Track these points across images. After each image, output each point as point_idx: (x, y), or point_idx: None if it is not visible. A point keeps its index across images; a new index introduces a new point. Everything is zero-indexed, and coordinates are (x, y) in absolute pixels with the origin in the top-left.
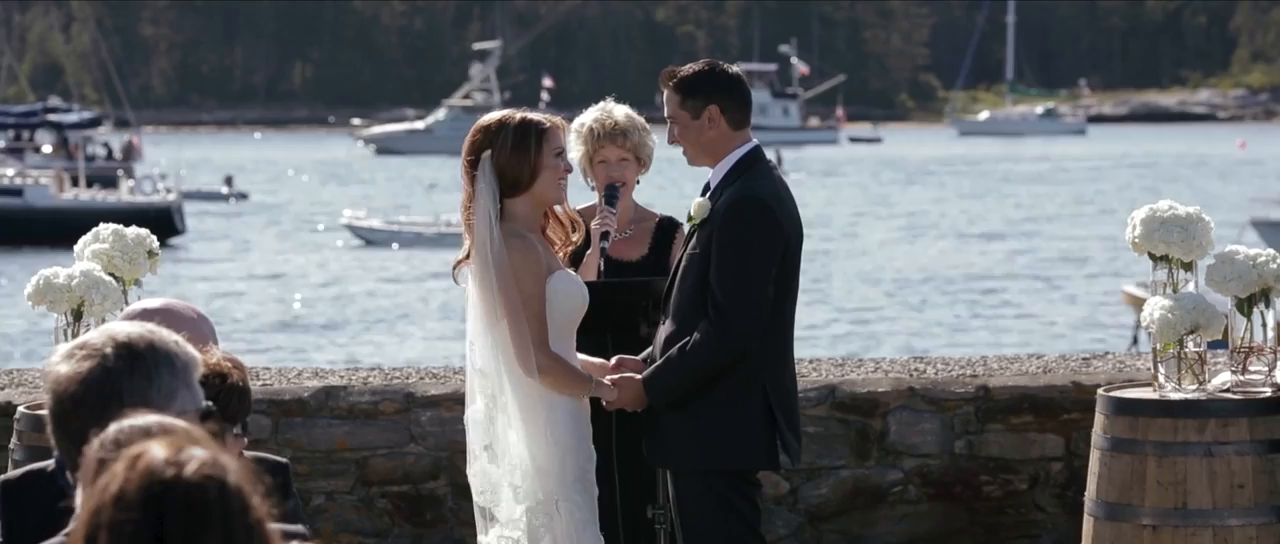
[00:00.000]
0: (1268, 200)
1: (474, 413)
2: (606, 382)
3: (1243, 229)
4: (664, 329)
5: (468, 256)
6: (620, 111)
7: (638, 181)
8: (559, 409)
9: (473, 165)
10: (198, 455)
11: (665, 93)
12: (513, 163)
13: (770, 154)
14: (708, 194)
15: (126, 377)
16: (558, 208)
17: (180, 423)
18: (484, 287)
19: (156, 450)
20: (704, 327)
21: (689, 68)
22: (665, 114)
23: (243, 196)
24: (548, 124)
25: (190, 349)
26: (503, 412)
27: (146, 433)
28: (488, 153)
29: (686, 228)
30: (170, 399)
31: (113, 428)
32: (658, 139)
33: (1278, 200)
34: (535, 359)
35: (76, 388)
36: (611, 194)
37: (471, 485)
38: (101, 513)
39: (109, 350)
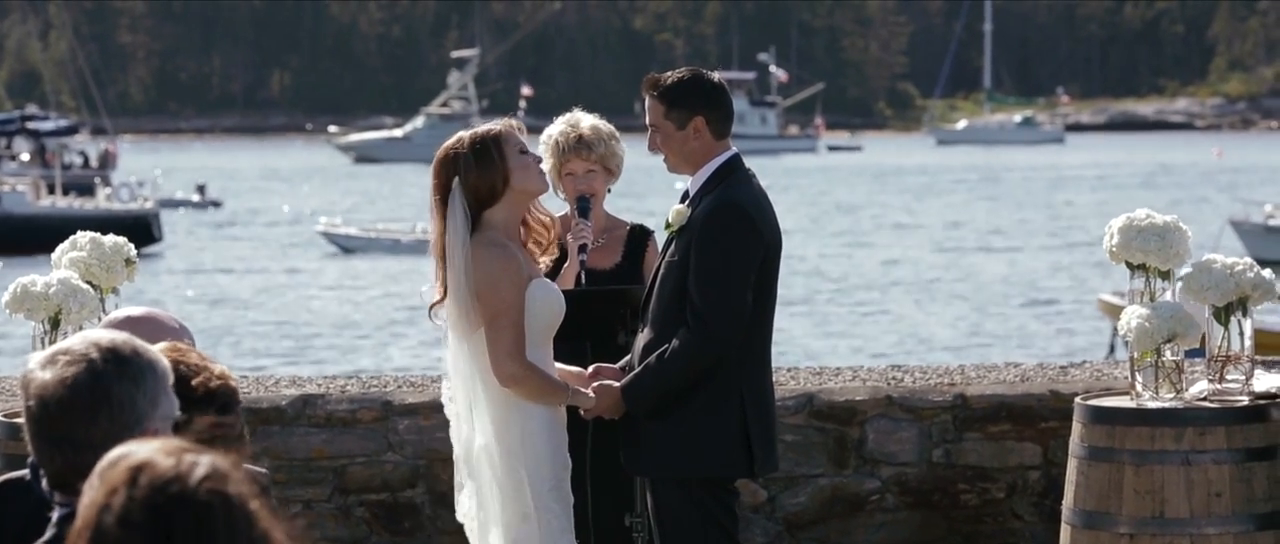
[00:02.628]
0: (1247, 202)
1: (458, 454)
2: (584, 390)
3: (1221, 228)
4: (642, 337)
5: (443, 299)
6: (586, 123)
7: (608, 189)
8: (534, 418)
9: (443, 200)
10: (201, 465)
11: (648, 100)
12: (484, 177)
13: None
14: (686, 201)
15: (115, 381)
16: (537, 210)
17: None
18: (461, 302)
19: (160, 462)
20: (683, 334)
21: (673, 76)
22: (647, 121)
23: (216, 204)
24: (499, 128)
25: (164, 357)
26: (480, 422)
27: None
28: (456, 181)
29: (664, 235)
30: (154, 404)
31: (113, 455)
32: (630, 145)
33: (1257, 202)
34: (512, 368)
35: (65, 392)
36: (583, 206)
37: (465, 527)
38: (106, 534)
39: (95, 355)
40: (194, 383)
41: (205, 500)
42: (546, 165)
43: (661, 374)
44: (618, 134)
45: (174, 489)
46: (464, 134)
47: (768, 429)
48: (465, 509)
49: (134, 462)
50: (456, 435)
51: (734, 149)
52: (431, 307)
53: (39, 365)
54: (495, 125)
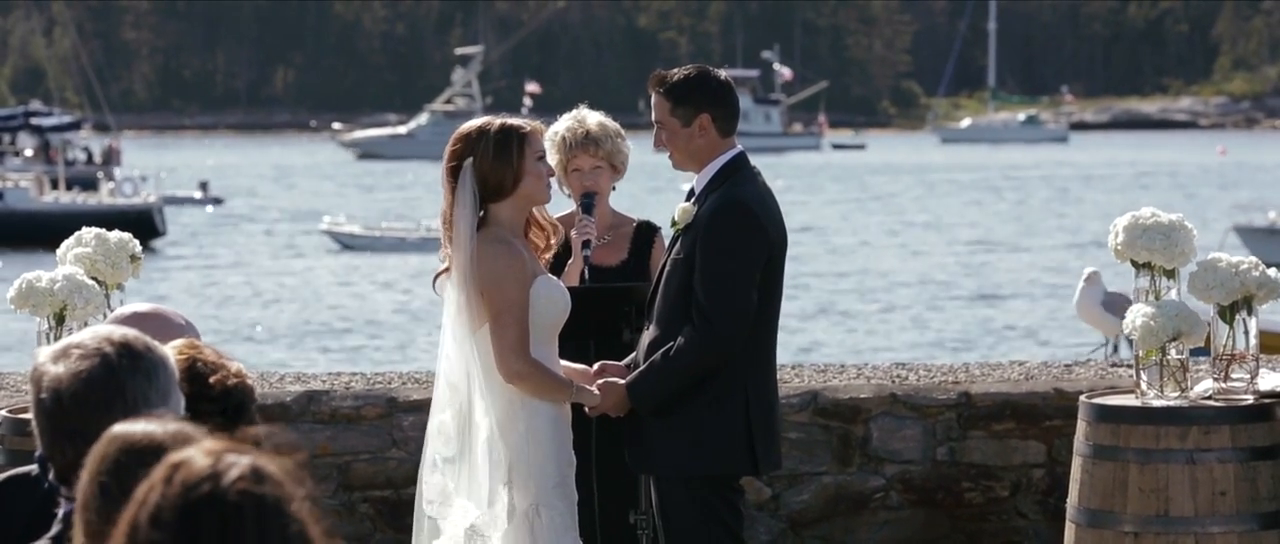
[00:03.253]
0: (1250, 207)
1: (438, 424)
2: (589, 388)
3: (1225, 232)
4: (648, 334)
5: (449, 268)
6: (593, 119)
7: (613, 187)
8: (539, 414)
9: (454, 173)
10: (237, 465)
11: (654, 97)
12: (496, 169)
13: None
14: (692, 199)
15: (130, 375)
16: (537, 212)
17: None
18: (465, 295)
19: (196, 461)
20: (688, 331)
21: (679, 73)
22: (653, 118)
23: (218, 202)
24: (528, 128)
25: (174, 354)
26: (484, 417)
27: (151, 438)
28: (469, 161)
29: (670, 233)
30: (165, 400)
31: (117, 434)
32: (634, 144)
33: (1260, 207)
34: (516, 365)
35: (79, 386)
36: (588, 202)
37: (422, 492)
38: (139, 532)
39: (109, 349)
40: (212, 380)
41: (234, 502)
42: (551, 161)
43: (666, 372)
44: (623, 132)
45: (205, 489)
46: (494, 118)
47: (771, 427)
48: (433, 480)
49: (174, 459)
50: (446, 402)
51: (739, 147)
52: (436, 276)
53: (50, 359)
54: (526, 123)
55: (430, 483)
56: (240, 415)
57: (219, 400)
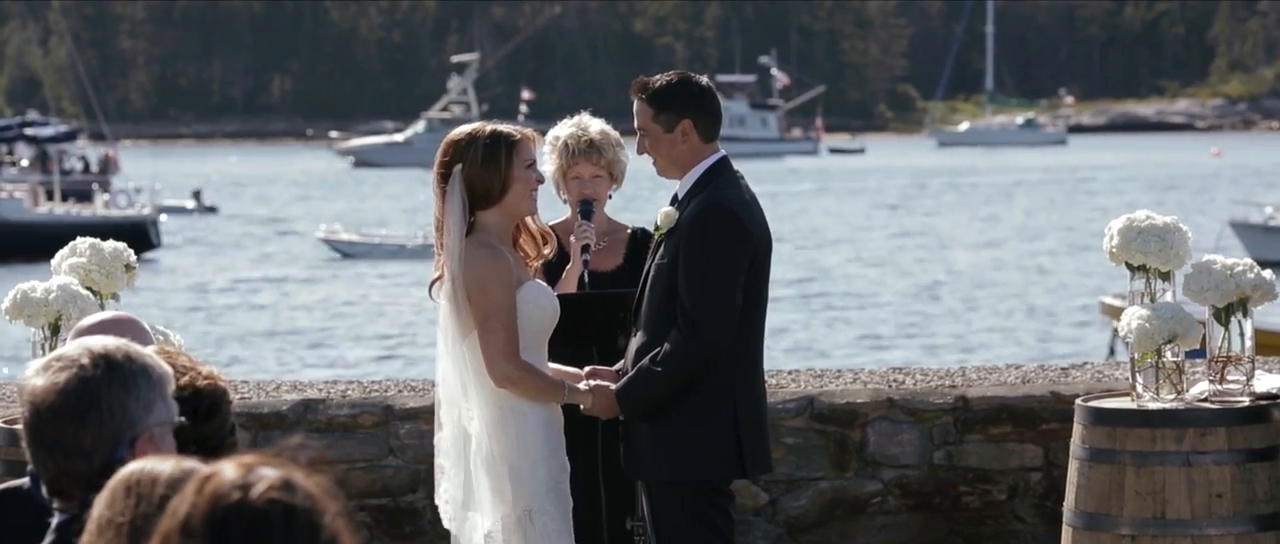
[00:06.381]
0: (1247, 203)
1: (442, 439)
2: (582, 388)
3: (1221, 229)
4: (635, 340)
5: (442, 276)
6: (595, 127)
7: (610, 195)
8: (530, 419)
9: (444, 179)
10: (266, 477)
11: (636, 103)
12: (484, 176)
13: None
14: (675, 204)
15: (105, 386)
16: (529, 221)
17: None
18: (454, 301)
19: (226, 473)
20: (675, 336)
21: (661, 79)
22: (635, 124)
23: (211, 210)
24: (518, 136)
25: (165, 363)
26: (475, 423)
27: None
28: (458, 167)
29: (654, 238)
30: (148, 410)
31: (135, 470)
32: (631, 152)
33: (1257, 203)
34: (506, 369)
35: (55, 398)
36: (586, 209)
37: (440, 512)
38: (170, 539)
39: (86, 360)
40: (181, 382)
41: (262, 509)
42: (550, 166)
43: (655, 377)
44: (623, 141)
45: (234, 497)
46: (485, 125)
47: (759, 430)
48: (445, 494)
49: (206, 471)
50: (448, 416)
51: (722, 151)
52: (432, 283)
53: (35, 372)
54: (517, 131)
55: (445, 499)
56: (211, 417)
57: (189, 402)
